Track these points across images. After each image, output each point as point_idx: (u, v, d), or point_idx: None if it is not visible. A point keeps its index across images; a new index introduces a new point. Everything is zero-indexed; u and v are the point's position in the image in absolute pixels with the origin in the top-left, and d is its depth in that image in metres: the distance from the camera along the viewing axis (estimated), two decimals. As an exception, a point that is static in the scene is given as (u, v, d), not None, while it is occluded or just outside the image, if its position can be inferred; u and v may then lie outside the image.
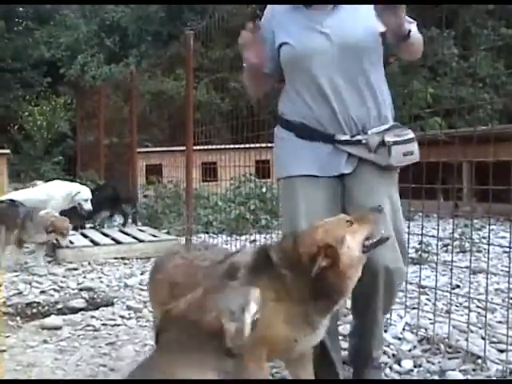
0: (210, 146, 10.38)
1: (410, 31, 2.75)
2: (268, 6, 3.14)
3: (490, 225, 4.95)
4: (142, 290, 5.70)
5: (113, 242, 8.02)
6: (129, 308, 5.04)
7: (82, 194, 8.48)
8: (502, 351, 3.72)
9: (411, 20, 2.82)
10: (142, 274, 6.53)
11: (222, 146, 9.70)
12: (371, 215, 2.55)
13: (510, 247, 3.67)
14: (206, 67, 20.60)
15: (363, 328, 3.14)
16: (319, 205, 2.94)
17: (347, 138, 2.93)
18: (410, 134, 3.00)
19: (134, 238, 8.14)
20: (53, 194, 8.28)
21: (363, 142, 2.91)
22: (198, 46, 13.45)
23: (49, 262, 7.14)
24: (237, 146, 8.16)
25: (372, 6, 2.68)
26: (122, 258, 7.47)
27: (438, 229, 4.25)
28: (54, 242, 7.13)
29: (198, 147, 9.30)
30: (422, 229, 4.33)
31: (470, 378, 3.40)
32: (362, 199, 2.92)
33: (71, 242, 7.66)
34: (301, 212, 2.96)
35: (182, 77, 12.33)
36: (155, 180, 12.22)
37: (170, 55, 14.75)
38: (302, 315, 2.47)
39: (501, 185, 3.94)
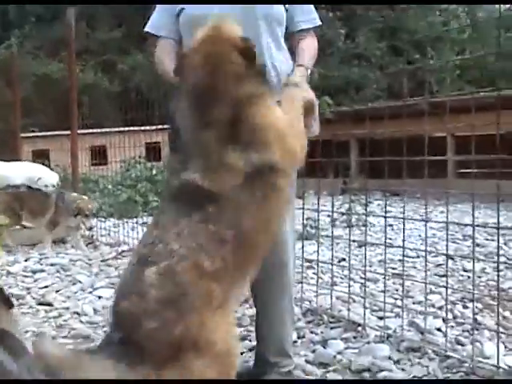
0: (98, 130, 10.15)
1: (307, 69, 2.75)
2: None
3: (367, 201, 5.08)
4: (26, 276, 5.56)
5: (-6, 229, 7.73)
6: (11, 295, 4.88)
7: (45, 179, 8.07)
8: (381, 318, 3.87)
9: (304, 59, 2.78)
10: (26, 260, 6.36)
11: (111, 129, 9.48)
12: None
13: (385, 217, 3.82)
14: (93, 49, 20.10)
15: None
16: None
17: None
18: None
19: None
20: (10, 176, 7.88)
21: None
22: (83, 27, 13.11)
23: None
24: (126, 129, 8.05)
25: None
26: (5, 246, 7.21)
27: (318, 204, 4.34)
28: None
29: (86, 131, 9.11)
30: (304, 205, 4.37)
31: (350, 345, 3.52)
32: None
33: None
34: None
35: (66, 59, 11.99)
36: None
37: (54, 37, 14.29)
38: None
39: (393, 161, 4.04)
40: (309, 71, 2.74)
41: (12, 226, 7.02)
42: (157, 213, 2.25)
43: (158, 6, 2.91)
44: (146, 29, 2.92)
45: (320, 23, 2.90)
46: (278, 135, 2.16)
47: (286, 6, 2.81)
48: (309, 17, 2.86)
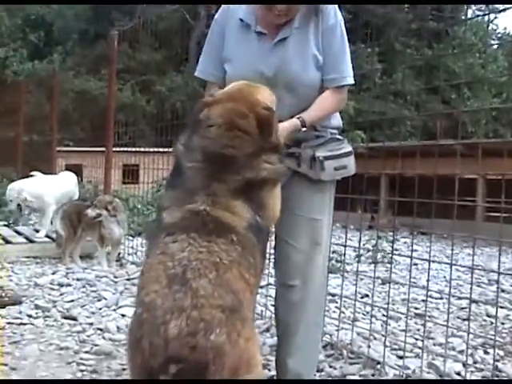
0: (132, 149, 10.27)
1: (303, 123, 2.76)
2: (222, 9, 3.01)
3: (394, 238, 5.09)
4: (52, 289, 5.66)
5: (26, 240, 7.88)
6: (37, 307, 4.97)
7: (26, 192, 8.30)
8: (400, 357, 3.86)
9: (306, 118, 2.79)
10: (53, 273, 6.47)
11: (145, 149, 9.60)
12: None
13: (411, 257, 3.84)
14: (133, 69, 20.44)
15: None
16: None
17: None
18: (346, 148, 2.98)
19: (48, 237, 8.00)
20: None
21: (296, 154, 2.89)
22: (125, 47, 13.35)
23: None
24: (160, 150, 8.14)
25: (314, 41, 2.79)
26: (35, 257, 7.35)
27: (346, 238, 4.37)
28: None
29: (120, 149, 9.23)
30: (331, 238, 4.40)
31: (368, 382, 3.53)
32: (292, 211, 2.91)
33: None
34: None
35: (106, 77, 12.19)
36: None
37: (96, 55, 14.57)
38: None
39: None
40: (302, 124, 2.76)
41: (70, 238, 7.18)
42: (161, 239, 2.15)
43: (206, 50, 3.00)
44: (197, 74, 3.04)
45: (351, 82, 2.87)
46: (275, 213, 2.48)
47: (322, 61, 2.82)
48: (339, 75, 2.83)
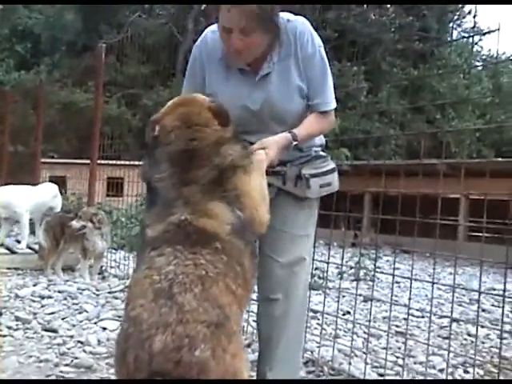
0: (117, 162, 10.26)
1: (295, 137, 2.74)
2: (200, 42, 2.95)
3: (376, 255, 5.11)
4: (33, 301, 5.62)
5: (7, 251, 7.83)
6: (17, 319, 4.93)
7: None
8: (381, 375, 3.88)
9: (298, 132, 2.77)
10: (34, 285, 6.42)
11: (130, 163, 9.59)
12: None
13: (393, 275, 3.86)
14: (119, 82, 20.44)
15: None
16: None
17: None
18: (330, 165, 3.02)
19: (30, 248, 7.96)
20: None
21: (281, 173, 2.89)
22: (112, 60, 13.35)
23: None
24: (145, 163, 8.13)
25: (296, 72, 2.78)
26: (16, 269, 7.30)
27: (329, 255, 4.38)
28: None
29: (105, 161, 9.21)
30: (314, 254, 4.42)
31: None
32: (277, 227, 2.92)
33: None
34: None
35: (92, 89, 12.19)
36: (58, 192, 11.99)
37: (83, 67, 14.56)
38: None
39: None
40: (293, 138, 2.73)
41: (52, 250, 7.14)
42: (147, 254, 2.12)
43: (186, 84, 2.99)
44: None
45: (333, 107, 2.90)
46: (255, 203, 2.37)
47: (306, 89, 2.83)
48: (322, 100, 2.84)
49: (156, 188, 2.30)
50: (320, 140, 3.12)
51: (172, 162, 2.27)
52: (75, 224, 6.76)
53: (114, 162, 10.03)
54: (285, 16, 2.73)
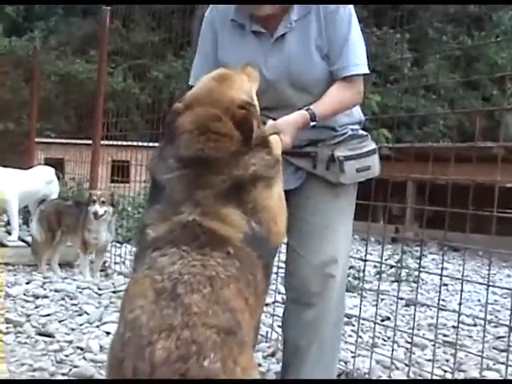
0: (123, 143, 10.29)
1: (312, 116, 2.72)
2: (211, 8, 3.03)
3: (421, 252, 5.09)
4: (26, 301, 5.67)
5: (-4, 244, 7.91)
6: (8, 321, 4.98)
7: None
8: (426, 391, 3.87)
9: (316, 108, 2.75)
10: (27, 283, 6.46)
11: (138, 144, 9.62)
12: None
13: (441, 276, 3.85)
14: (126, 51, 20.44)
15: None
16: None
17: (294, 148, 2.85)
18: (369, 146, 3.01)
19: (23, 241, 8.02)
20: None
21: (311, 154, 2.90)
22: (118, 26, 13.39)
23: None
24: (155, 145, 8.14)
25: (317, 31, 2.78)
26: (6, 264, 7.36)
27: (366, 252, 4.37)
28: None
29: (109, 142, 9.24)
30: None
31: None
32: (305, 217, 2.94)
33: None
34: None
35: (95, 59, 12.22)
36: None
37: (84, 33, 14.62)
38: None
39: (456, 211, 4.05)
40: (311, 117, 2.72)
41: (47, 243, 7.19)
42: (148, 255, 2.10)
43: (199, 54, 3.05)
44: (191, 82, 3.01)
45: (361, 71, 2.84)
46: (274, 215, 2.36)
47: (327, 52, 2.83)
48: (345, 64, 2.81)
49: (163, 186, 2.28)
50: (358, 115, 3.10)
51: (183, 164, 2.26)
52: (100, 209, 6.68)
53: (119, 142, 10.06)
54: None
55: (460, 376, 4.31)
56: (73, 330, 4.95)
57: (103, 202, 6.70)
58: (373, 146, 3.04)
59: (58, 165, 12.59)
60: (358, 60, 2.82)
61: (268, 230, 2.31)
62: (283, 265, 3.22)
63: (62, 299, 5.86)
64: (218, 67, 2.79)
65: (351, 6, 2.82)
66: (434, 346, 4.09)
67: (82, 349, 4.46)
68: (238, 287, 2.00)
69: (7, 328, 4.85)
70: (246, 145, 2.29)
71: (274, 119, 2.71)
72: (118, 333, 1.95)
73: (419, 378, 4.14)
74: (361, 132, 3.07)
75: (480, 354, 3.71)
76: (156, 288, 1.90)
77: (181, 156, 2.26)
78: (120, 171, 9.66)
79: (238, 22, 2.84)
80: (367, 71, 2.86)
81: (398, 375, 4.06)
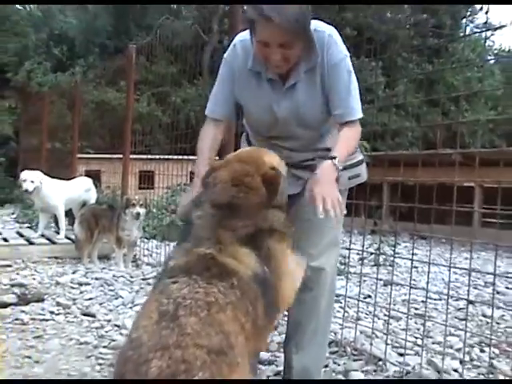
0: (148, 156, 10.31)
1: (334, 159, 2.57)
2: (231, 50, 2.93)
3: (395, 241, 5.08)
4: (73, 287, 5.69)
5: (47, 241, 7.94)
6: (58, 304, 5.01)
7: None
8: (401, 355, 3.86)
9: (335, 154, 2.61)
10: (73, 272, 6.51)
11: (160, 157, 9.62)
12: None
13: (412, 260, 3.84)
14: (149, 81, 20.46)
15: None
16: None
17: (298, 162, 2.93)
18: (358, 157, 2.99)
19: (69, 239, 8.06)
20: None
21: (311, 167, 2.81)
22: (143, 61, 13.37)
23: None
24: (174, 157, 8.16)
25: (322, 81, 2.74)
26: (56, 258, 7.40)
27: (351, 242, 4.37)
28: None
29: (136, 156, 9.27)
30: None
31: (370, 377, 3.53)
32: (308, 218, 2.90)
33: (6, 240, 7.68)
34: None
35: (124, 88, 12.25)
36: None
37: (115, 67, 14.61)
38: None
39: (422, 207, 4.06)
40: (339, 168, 2.57)
41: (87, 240, 7.26)
42: (162, 282, 1.99)
43: (216, 91, 2.95)
44: (207, 113, 2.96)
45: (359, 116, 2.76)
46: (283, 272, 2.25)
47: (328, 97, 2.77)
48: (346, 110, 2.73)
49: (193, 225, 2.20)
50: None
51: (213, 207, 2.21)
52: (141, 210, 6.88)
53: (145, 156, 10.08)
54: (313, 25, 2.66)
55: (428, 341, 4.31)
56: (111, 310, 4.96)
57: (141, 205, 6.88)
58: (361, 156, 3.01)
59: (95, 176, 12.61)
60: (357, 105, 2.76)
61: (276, 278, 2.20)
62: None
63: (101, 286, 5.88)
64: (234, 105, 2.89)
65: (348, 59, 2.78)
66: (407, 317, 4.08)
67: (118, 326, 4.47)
68: (234, 313, 1.87)
69: (58, 310, 4.87)
70: (270, 200, 2.26)
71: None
72: (122, 349, 1.83)
73: (396, 344, 4.14)
74: None
75: (444, 323, 3.69)
76: (160, 310, 1.80)
77: (214, 201, 2.21)
78: (146, 180, 9.68)
79: (255, 70, 2.82)
80: (361, 115, 2.82)
81: (377, 342, 4.05)
